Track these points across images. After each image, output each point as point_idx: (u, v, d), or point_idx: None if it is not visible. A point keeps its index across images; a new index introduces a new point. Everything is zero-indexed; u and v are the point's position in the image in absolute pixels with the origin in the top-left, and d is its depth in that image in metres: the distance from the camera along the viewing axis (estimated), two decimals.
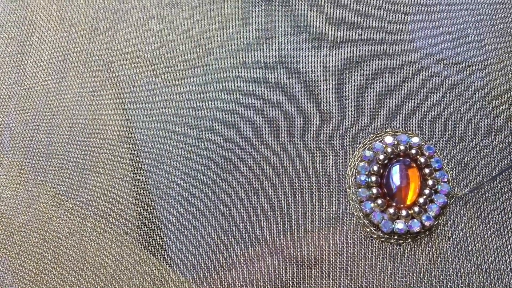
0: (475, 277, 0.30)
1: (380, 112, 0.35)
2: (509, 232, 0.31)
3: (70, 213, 0.34)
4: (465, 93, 0.35)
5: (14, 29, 0.40)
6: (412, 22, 0.38)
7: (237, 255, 0.32)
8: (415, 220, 0.31)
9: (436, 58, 0.36)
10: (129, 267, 0.32)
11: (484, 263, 0.30)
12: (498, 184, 0.32)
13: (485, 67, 0.35)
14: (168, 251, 0.32)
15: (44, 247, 0.33)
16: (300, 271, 0.31)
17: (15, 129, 0.36)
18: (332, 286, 0.31)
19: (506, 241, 0.30)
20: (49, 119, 0.37)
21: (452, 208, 0.32)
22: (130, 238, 0.33)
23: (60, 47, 0.39)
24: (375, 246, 0.31)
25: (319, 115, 0.35)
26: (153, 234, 0.33)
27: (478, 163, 0.33)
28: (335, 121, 0.35)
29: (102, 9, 0.40)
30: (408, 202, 0.31)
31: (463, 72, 0.35)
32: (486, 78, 0.35)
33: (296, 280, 0.31)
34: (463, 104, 0.34)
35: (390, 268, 0.31)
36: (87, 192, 0.34)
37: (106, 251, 0.33)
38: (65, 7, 0.41)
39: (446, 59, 0.36)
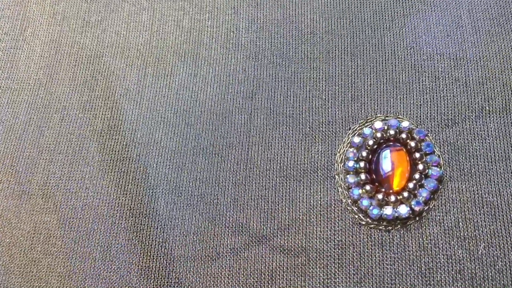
0: (467, 263, 0.29)
1: (370, 97, 0.34)
2: (503, 215, 0.30)
3: (60, 204, 0.34)
4: (458, 76, 0.34)
5: (8, 24, 0.40)
6: (404, 7, 0.37)
7: (224, 244, 0.32)
8: (404, 205, 0.30)
9: (428, 41, 0.35)
10: (117, 257, 0.32)
11: (477, 249, 0.29)
12: (493, 165, 0.31)
13: (478, 49, 0.34)
14: (156, 241, 0.32)
15: (34, 238, 0.33)
16: (287, 260, 0.31)
17: (7, 123, 0.37)
18: (320, 274, 0.30)
19: (500, 225, 0.29)
20: (41, 112, 0.37)
21: (444, 193, 0.31)
22: (118, 228, 0.33)
23: (52, 41, 0.39)
24: (363, 233, 0.30)
25: (309, 102, 0.35)
26: (141, 224, 0.33)
27: (472, 146, 0.32)
28: (325, 107, 0.34)
29: (94, 2, 0.41)
30: (395, 187, 0.30)
31: (455, 54, 0.34)
32: (480, 59, 0.34)
33: (283, 269, 0.30)
34: (456, 87, 0.33)
35: (379, 256, 0.30)
36: (77, 184, 0.34)
37: (94, 241, 0.33)
38: (58, 1, 0.41)
39: (438, 41, 0.35)
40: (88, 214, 0.33)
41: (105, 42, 0.39)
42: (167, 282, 0.31)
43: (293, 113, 0.34)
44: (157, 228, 0.33)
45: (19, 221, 0.34)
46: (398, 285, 0.29)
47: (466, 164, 0.31)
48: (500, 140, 0.31)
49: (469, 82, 0.33)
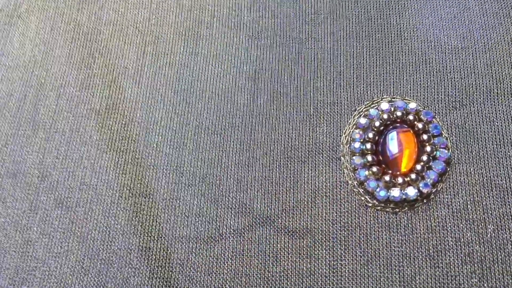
0: (476, 246, 0.28)
1: (377, 79, 0.34)
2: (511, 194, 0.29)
3: (56, 184, 0.33)
4: (466, 58, 0.33)
5: (2, 0, 0.39)
6: None
7: (227, 225, 0.31)
8: (412, 187, 0.29)
9: (436, 23, 0.35)
10: (116, 238, 0.31)
11: (486, 231, 0.29)
12: (502, 148, 0.30)
13: (486, 31, 0.34)
14: (157, 221, 0.31)
15: (30, 218, 0.32)
16: (292, 241, 0.30)
17: (1, 100, 0.35)
18: (325, 255, 0.29)
19: (509, 208, 0.29)
20: (36, 89, 0.36)
21: (452, 175, 0.30)
22: (118, 208, 0.32)
23: (48, 18, 0.38)
24: (370, 215, 0.30)
25: (313, 83, 0.34)
26: (141, 204, 0.32)
27: (480, 129, 0.31)
28: (330, 88, 0.34)
29: None
30: (403, 169, 0.30)
31: (463, 36, 0.34)
32: (487, 42, 0.33)
33: (288, 250, 0.30)
34: (464, 69, 0.33)
35: (386, 238, 0.29)
36: (74, 163, 0.33)
37: (93, 222, 0.32)
38: None
39: (446, 24, 0.35)
40: (86, 194, 0.32)
41: (103, 19, 0.38)
42: (168, 263, 0.30)
43: (297, 94, 0.34)
44: (157, 209, 0.32)
45: (14, 200, 0.33)
46: (406, 268, 0.28)
47: (475, 147, 0.31)
48: (509, 123, 0.31)
49: (477, 64, 0.33)
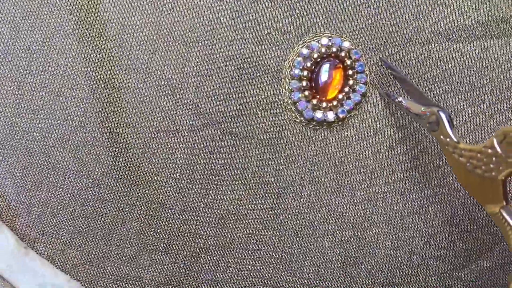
0: (370, 161, 0.38)
1: (322, 15, 0.40)
2: (405, 127, 0.38)
3: (42, 69, 0.39)
4: (399, 6, 0.39)
5: None
6: None
7: (183, 123, 0.38)
8: (332, 111, 0.38)
9: None
10: (91, 122, 0.38)
11: (380, 152, 0.38)
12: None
13: None
14: (126, 112, 0.38)
15: (18, 95, 0.38)
16: (233, 142, 0.38)
17: None
18: (257, 156, 0.38)
19: (402, 132, 0.38)
20: None
21: (364, 106, 0.38)
22: (94, 97, 0.38)
23: None
24: (296, 129, 0.38)
25: (269, 11, 0.40)
26: (114, 96, 0.38)
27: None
28: (283, 17, 0.40)
29: None
30: (329, 96, 0.38)
31: None
32: None
33: (229, 148, 0.38)
34: (394, 17, 0.39)
35: (305, 148, 0.38)
36: (57, 52, 0.39)
37: (72, 106, 0.38)
38: None
39: None
40: (67, 82, 0.39)
41: None
42: (133, 148, 0.38)
43: (255, 18, 0.39)
44: (127, 101, 0.38)
45: (2, 77, 0.38)
46: (315, 172, 0.38)
47: (386, 84, 0.39)
48: (419, 67, 0.38)
49: (406, 13, 0.39)
